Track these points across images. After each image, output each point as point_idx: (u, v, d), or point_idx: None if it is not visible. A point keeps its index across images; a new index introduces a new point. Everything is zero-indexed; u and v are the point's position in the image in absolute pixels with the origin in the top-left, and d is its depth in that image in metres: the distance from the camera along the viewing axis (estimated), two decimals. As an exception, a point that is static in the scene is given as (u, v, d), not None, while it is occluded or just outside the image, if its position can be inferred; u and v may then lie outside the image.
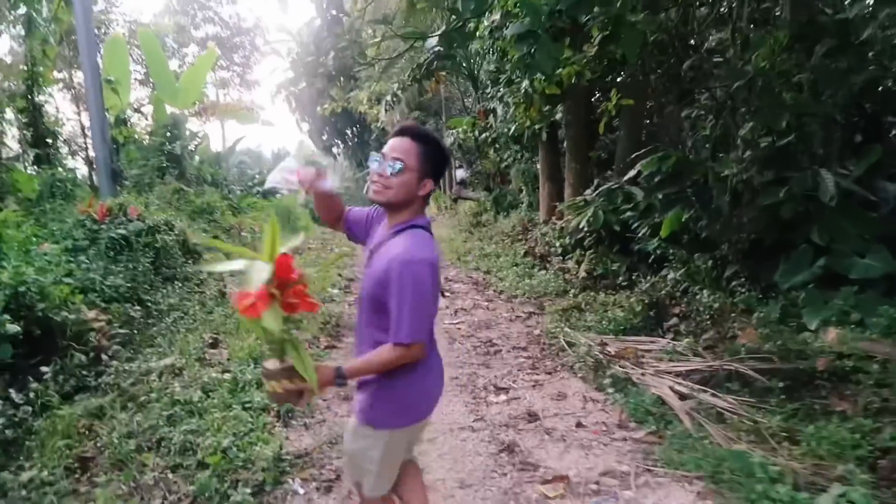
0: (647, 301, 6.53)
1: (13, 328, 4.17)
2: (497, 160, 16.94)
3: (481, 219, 16.76)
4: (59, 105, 22.09)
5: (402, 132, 2.01)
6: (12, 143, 12.31)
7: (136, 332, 5.78)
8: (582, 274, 8.63)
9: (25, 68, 11.52)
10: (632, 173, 7.49)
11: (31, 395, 3.99)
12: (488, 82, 15.79)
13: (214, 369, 4.82)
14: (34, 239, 6.66)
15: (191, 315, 6.61)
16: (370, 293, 1.98)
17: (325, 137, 38.63)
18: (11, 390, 3.99)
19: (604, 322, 6.35)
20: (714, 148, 6.63)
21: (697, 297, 6.26)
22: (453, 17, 6.59)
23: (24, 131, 12.20)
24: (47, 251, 6.17)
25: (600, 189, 9.12)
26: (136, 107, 15.58)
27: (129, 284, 6.54)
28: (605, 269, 8.40)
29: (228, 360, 5.15)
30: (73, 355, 4.74)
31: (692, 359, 4.97)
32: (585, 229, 8.92)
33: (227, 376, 4.56)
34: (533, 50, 4.74)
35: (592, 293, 7.62)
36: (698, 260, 6.71)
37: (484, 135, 16.11)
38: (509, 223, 14.03)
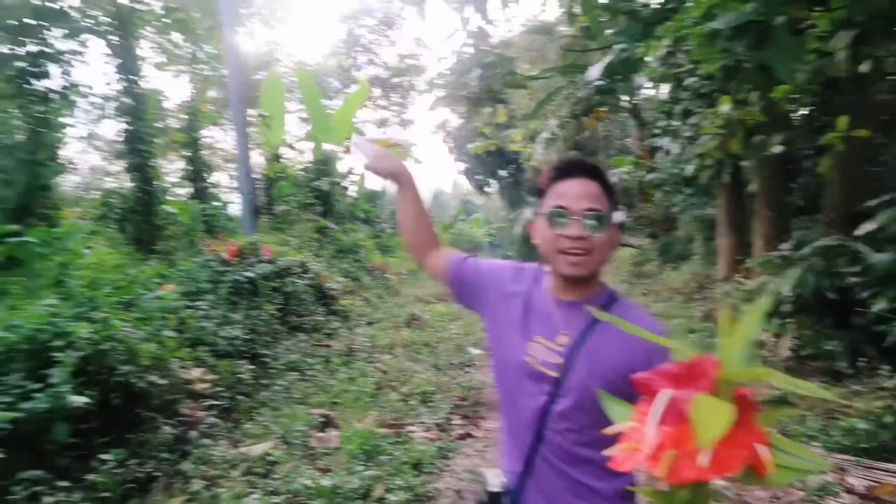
0: (897, 405, 4.69)
1: (78, 400, 3.38)
2: (664, 204, 15.16)
3: (644, 269, 14.98)
4: (228, 142, 23.43)
5: (583, 171, 1.44)
6: (173, 178, 12.76)
7: (242, 397, 4.94)
8: (784, 353, 6.81)
9: (188, 104, 11.74)
10: (869, 227, 5.68)
11: (78, 495, 3.13)
12: (655, 117, 14.22)
13: (315, 465, 3.78)
14: (157, 279, 6.16)
15: (310, 378, 5.71)
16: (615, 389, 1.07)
17: (478, 176, 38.41)
18: (62, 483, 3.16)
19: (832, 432, 4.58)
20: None
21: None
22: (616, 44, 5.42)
23: (185, 166, 12.61)
24: (163, 294, 5.57)
25: (810, 244, 7.25)
26: (292, 143, 15.68)
27: (246, 336, 5.80)
28: (818, 348, 6.54)
29: (338, 449, 4.10)
30: (157, 430, 3.93)
31: None
32: (787, 294, 7.10)
33: (325, 483, 3.47)
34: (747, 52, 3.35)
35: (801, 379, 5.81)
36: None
37: (650, 176, 14.45)
38: (679, 277, 12.21)
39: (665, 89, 10.91)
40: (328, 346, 6.84)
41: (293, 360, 6.01)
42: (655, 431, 0.67)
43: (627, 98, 17.17)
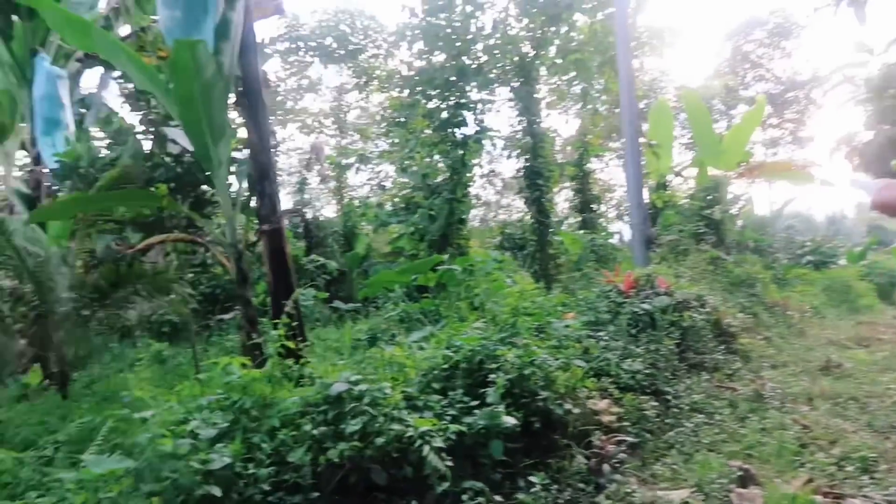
0: None
1: (509, 420, 3.65)
2: None
3: None
4: (613, 172, 23.98)
5: None
6: (562, 208, 13.48)
7: (647, 434, 4.79)
8: None
9: (577, 138, 12.30)
10: None
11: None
12: None
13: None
14: (560, 308, 6.45)
15: (717, 422, 5.28)
16: None
17: (895, 198, 32.17)
18: (498, 497, 3.42)
19: None
20: None
21: None
22: None
23: (575, 196, 13.23)
24: (569, 323, 5.79)
25: None
26: (677, 171, 15.24)
27: (647, 370, 5.66)
28: None
29: (762, 512, 3.65)
30: (572, 458, 4.02)
31: None
32: None
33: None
34: None
35: None
36: None
37: None
38: None
39: None
40: (732, 388, 6.28)
41: (697, 401, 5.64)
42: None
43: None
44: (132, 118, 8.61)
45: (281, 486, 2.78)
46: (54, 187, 8.39)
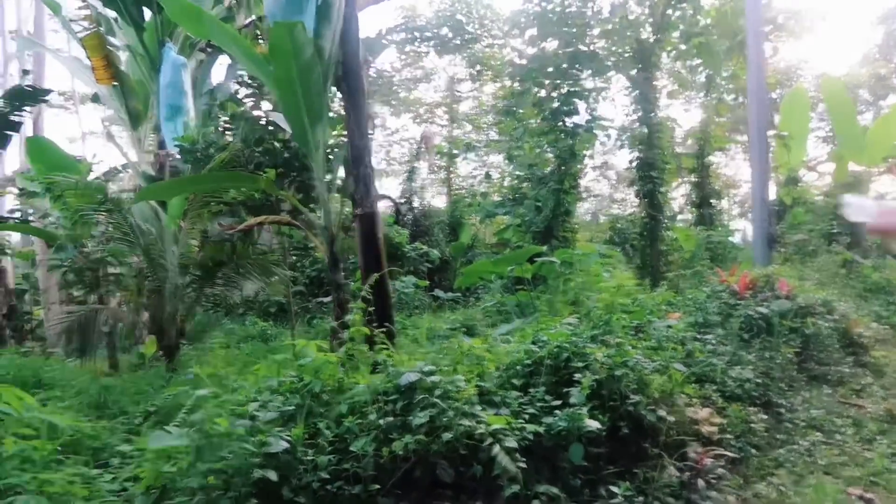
0: None
1: (593, 424, 3.39)
2: None
3: None
4: (738, 166, 22.47)
5: None
6: (680, 202, 12.71)
7: (753, 449, 4.35)
8: None
9: (699, 129, 11.56)
10: None
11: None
12: None
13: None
14: (665, 307, 6.05)
15: (837, 442, 4.73)
16: None
17: None
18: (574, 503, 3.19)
19: None
20: None
21: None
22: None
23: (692, 191, 12.43)
24: (672, 323, 5.40)
25: None
26: (810, 165, 14.00)
27: (758, 380, 5.17)
28: None
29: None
30: (662, 470, 3.70)
31: None
32: None
33: None
34: None
35: None
36: None
37: None
38: None
39: None
40: (859, 405, 5.62)
41: (815, 417, 5.09)
42: None
43: None
44: (248, 105, 8.96)
45: (341, 474, 2.71)
46: (177, 170, 8.90)
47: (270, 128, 7.40)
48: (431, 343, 6.18)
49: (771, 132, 11.90)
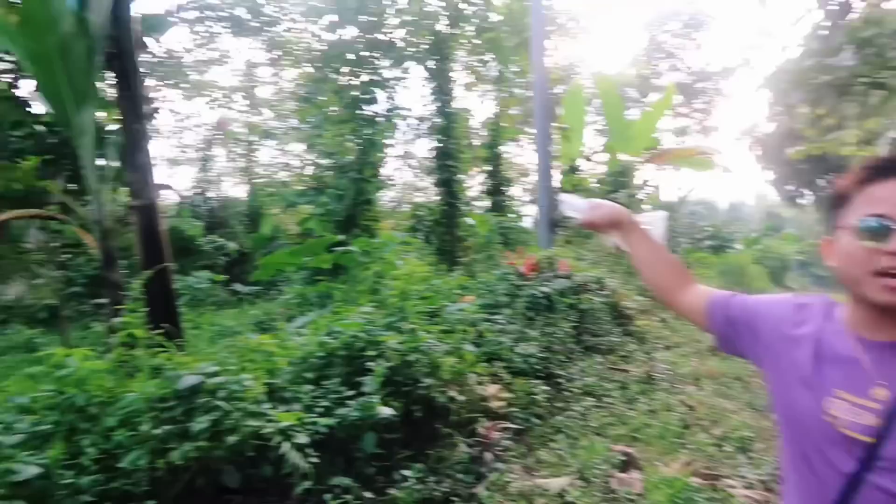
0: None
1: (385, 411, 3.45)
2: None
3: None
4: (529, 157, 24.12)
5: None
6: (473, 192, 13.44)
7: (536, 419, 4.72)
8: None
9: (491, 121, 12.22)
10: None
11: (382, 509, 3.15)
12: None
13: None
14: (459, 291, 6.32)
15: (607, 405, 5.29)
16: None
17: (790, 187, 33.97)
18: (368, 493, 3.22)
19: None
20: None
21: None
22: None
23: (487, 179, 13.19)
24: (464, 306, 5.66)
25: None
26: (587, 155, 15.44)
27: (542, 354, 5.62)
28: None
29: (640, 496, 3.62)
30: (454, 448, 3.88)
31: None
32: None
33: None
34: None
35: None
36: None
37: None
38: None
39: None
40: (625, 370, 6.34)
41: (589, 384, 5.65)
42: None
43: None
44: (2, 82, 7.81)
45: (110, 494, 2.48)
46: None
47: (28, 109, 6.51)
48: (220, 341, 5.87)
49: (554, 125, 12.94)
